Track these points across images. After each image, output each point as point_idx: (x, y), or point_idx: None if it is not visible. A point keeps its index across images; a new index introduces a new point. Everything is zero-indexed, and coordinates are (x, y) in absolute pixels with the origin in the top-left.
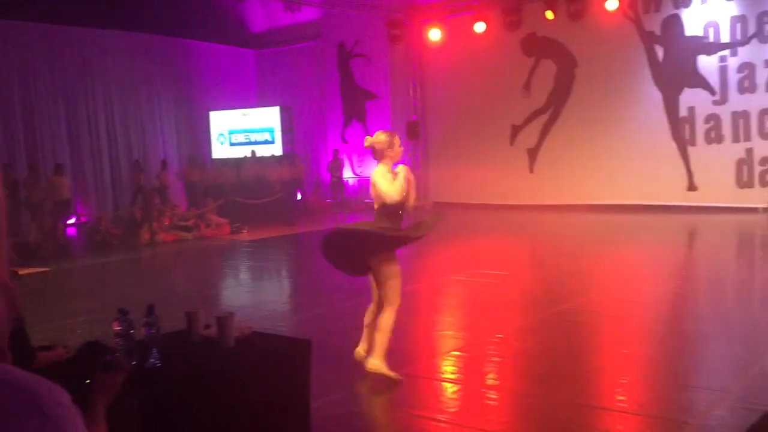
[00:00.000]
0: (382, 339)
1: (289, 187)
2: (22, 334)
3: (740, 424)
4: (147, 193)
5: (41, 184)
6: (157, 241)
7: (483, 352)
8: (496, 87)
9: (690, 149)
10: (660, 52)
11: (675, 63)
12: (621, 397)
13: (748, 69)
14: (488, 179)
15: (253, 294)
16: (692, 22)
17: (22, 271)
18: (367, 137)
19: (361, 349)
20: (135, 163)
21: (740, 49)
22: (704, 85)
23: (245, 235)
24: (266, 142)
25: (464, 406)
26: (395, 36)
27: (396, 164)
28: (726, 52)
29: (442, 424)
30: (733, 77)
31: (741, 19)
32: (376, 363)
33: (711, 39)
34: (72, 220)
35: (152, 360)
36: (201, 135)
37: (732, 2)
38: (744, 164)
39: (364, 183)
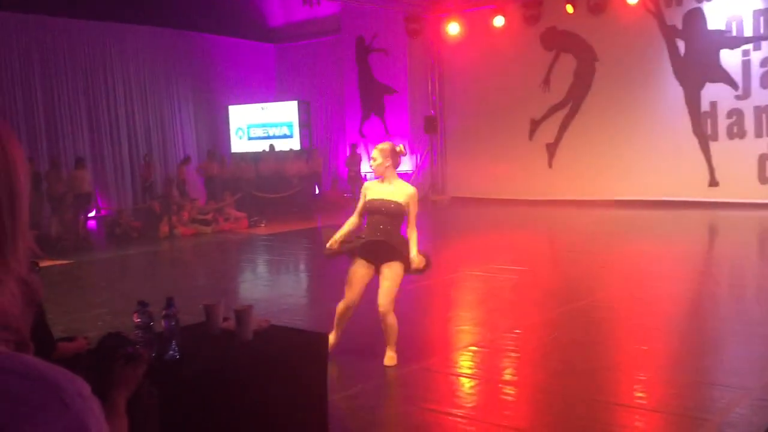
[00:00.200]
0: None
1: (307, 182)
2: (43, 325)
3: (761, 422)
4: (164, 185)
5: (63, 178)
6: (176, 234)
7: (500, 347)
8: (514, 81)
9: (711, 144)
10: (682, 46)
11: (697, 57)
12: (640, 394)
13: None
14: (507, 174)
15: (271, 287)
16: (715, 16)
17: (42, 264)
18: (400, 146)
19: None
20: (144, 158)
21: (764, 43)
22: (727, 79)
23: (263, 229)
24: (284, 136)
25: (481, 401)
26: (414, 30)
27: (378, 177)
28: (749, 46)
29: (459, 419)
30: (756, 72)
31: (764, 13)
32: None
33: (734, 33)
34: (92, 214)
35: (171, 352)
36: (220, 129)
37: None
38: (767, 159)
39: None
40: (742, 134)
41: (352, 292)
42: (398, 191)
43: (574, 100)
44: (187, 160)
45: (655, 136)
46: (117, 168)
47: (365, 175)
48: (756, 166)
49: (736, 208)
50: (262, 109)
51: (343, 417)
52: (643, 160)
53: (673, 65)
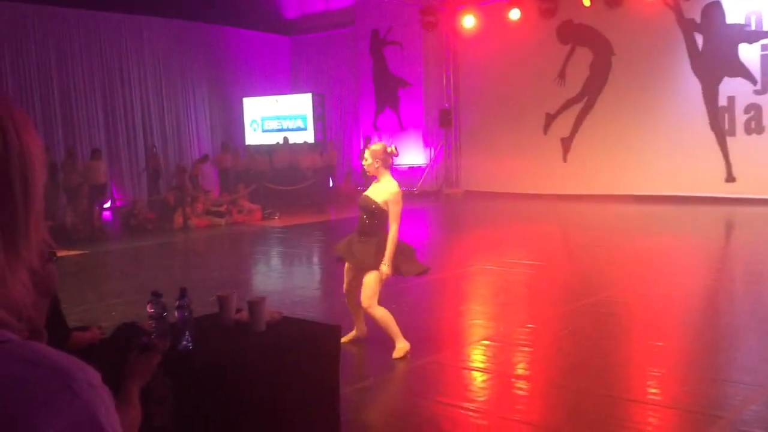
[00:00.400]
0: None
1: (321, 175)
2: (58, 314)
3: None
4: (177, 176)
5: (78, 168)
6: (190, 226)
7: (513, 342)
8: (530, 75)
9: (729, 139)
10: (700, 40)
11: (715, 51)
12: (653, 390)
13: None
14: (521, 168)
15: (284, 279)
16: (734, 10)
17: (58, 254)
18: (392, 146)
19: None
20: (151, 149)
21: None
22: (745, 74)
23: (277, 222)
24: (298, 128)
25: (493, 395)
26: (429, 23)
27: (373, 177)
28: None
29: (471, 413)
30: None
31: None
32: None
33: (753, 27)
34: (107, 204)
35: (185, 343)
36: (234, 121)
37: None
38: None
39: (394, 171)
40: (760, 129)
41: (344, 283)
42: (381, 191)
43: (589, 94)
44: (204, 158)
45: (671, 131)
46: (132, 159)
47: None
48: None
49: (753, 203)
50: (277, 101)
51: (355, 410)
52: (659, 155)
53: (690, 59)
